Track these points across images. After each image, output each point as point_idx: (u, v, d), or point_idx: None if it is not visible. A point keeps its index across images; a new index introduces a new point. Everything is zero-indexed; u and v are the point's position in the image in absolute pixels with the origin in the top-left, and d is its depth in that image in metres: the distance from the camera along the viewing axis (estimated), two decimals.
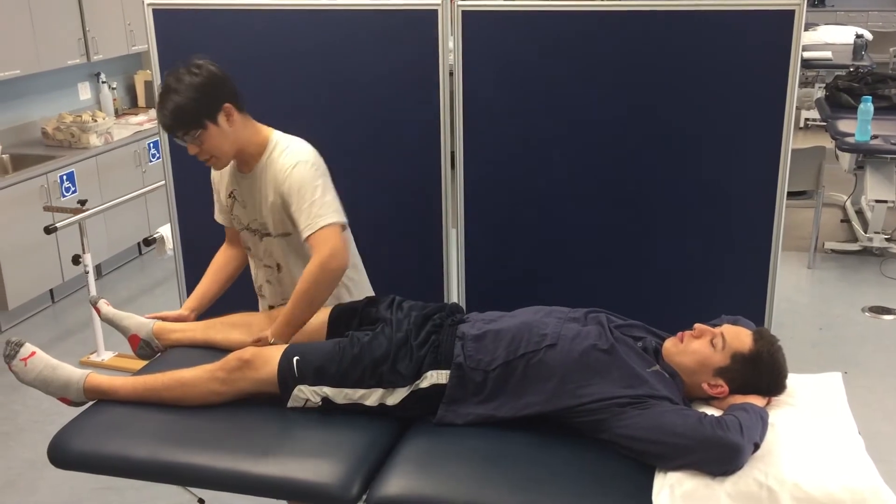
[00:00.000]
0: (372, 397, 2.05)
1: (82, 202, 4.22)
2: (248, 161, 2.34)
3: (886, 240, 5.40)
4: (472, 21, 2.74)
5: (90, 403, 2.20)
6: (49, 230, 3.97)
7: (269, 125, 2.40)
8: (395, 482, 1.87)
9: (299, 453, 1.96)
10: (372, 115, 2.91)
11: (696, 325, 2.04)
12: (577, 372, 1.95)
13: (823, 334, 4.46)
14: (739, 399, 1.91)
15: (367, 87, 2.89)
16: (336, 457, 1.92)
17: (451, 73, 2.81)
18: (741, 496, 1.69)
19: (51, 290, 4.98)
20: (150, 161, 5.63)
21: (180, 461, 1.95)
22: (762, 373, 1.94)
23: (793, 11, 2.51)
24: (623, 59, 2.67)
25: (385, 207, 2.98)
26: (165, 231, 3.99)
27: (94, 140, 5.17)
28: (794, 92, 2.58)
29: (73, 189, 4.97)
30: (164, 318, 2.47)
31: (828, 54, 7.40)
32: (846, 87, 5.83)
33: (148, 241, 4.22)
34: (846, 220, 5.93)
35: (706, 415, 1.82)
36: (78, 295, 5.07)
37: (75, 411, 2.19)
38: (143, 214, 5.50)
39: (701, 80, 2.64)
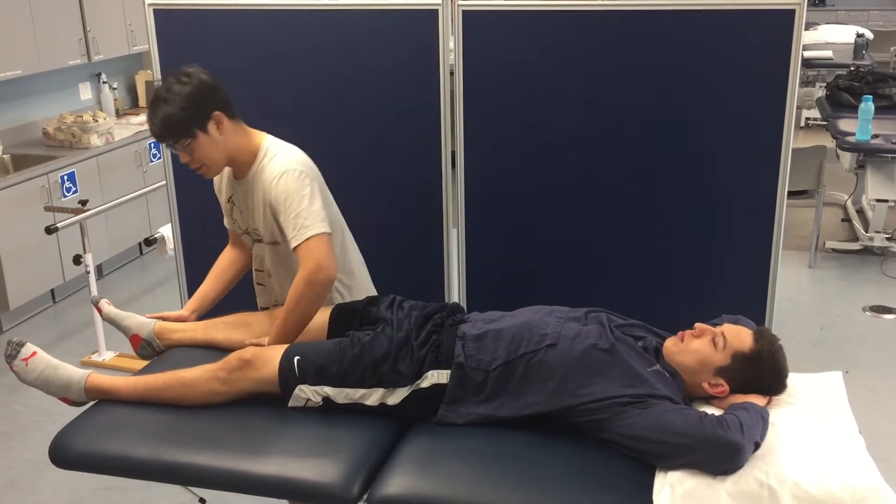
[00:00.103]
0: (373, 397, 2.05)
1: (83, 202, 4.22)
2: (242, 168, 2.33)
3: (887, 239, 5.39)
4: (473, 21, 2.74)
5: (91, 403, 2.20)
6: (50, 230, 3.98)
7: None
8: (396, 482, 1.87)
9: (300, 453, 1.96)
10: (372, 115, 2.92)
11: (697, 325, 2.04)
12: (577, 371, 1.95)
13: (824, 333, 4.45)
14: (740, 398, 1.91)
15: (368, 87, 2.89)
16: (337, 456, 1.92)
17: (451, 73, 2.81)
18: (742, 495, 1.69)
19: (52, 290, 4.98)
20: (151, 161, 5.63)
21: (181, 461, 1.95)
22: (763, 372, 1.94)
23: (793, 11, 2.52)
24: (623, 59, 2.67)
25: (385, 207, 2.98)
26: (166, 231, 4.00)
27: (95, 140, 5.18)
28: (794, 91, 2.58)
29: (74, 189, 4.97)
30: (164, 319, 2.47)
31: (828, 53, 7.40)
32: (847, 87, 5.83)
33: (149, 241, 4.22)
34: (847, 220, 5.93)
35: (707, 414, 1.82)
36: (79, 295, 5.08)
37: (76, 411, 2.19)
38: (143, 214, 5.51)
39: (701, 80, 2.64)
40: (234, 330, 2.39)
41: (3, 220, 4.48)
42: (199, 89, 2.18)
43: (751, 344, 1.96)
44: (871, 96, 5.03)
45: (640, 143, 2.73)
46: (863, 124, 4.93)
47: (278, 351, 2.12)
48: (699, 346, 1.98)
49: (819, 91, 7.29)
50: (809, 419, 1.88)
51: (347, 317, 2.30)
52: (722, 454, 1.72)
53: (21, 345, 2.16)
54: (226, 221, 2.54)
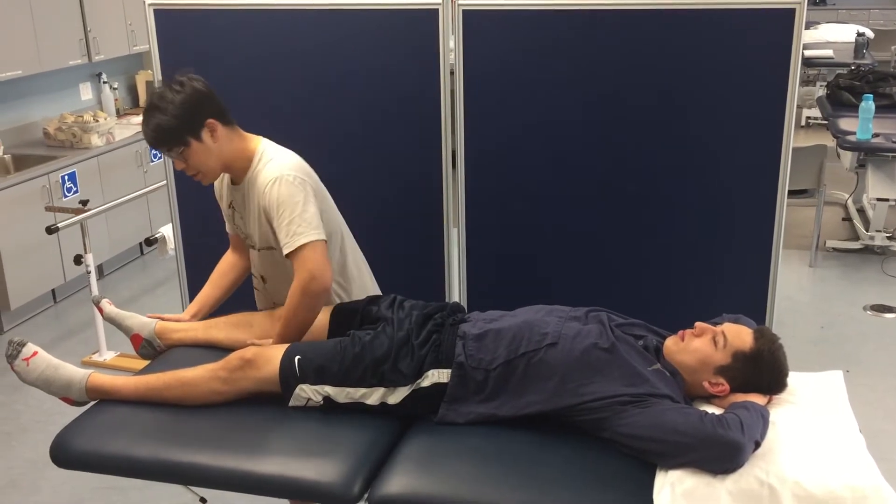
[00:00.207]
0: (373, 396, 2.05)
1: (84, 202, 4.23)
2: (238, 174, 2.32)
3: (888, 238, 5.39)
4: (473, 21, 2.74)
5: (92, 403, 2.20)
6: (51, 230, 3.98)
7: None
8: (397, 481, 1.88)
9: (301, 452, 1.96)
10: (372, 115, 2.91)
11: (697, 324, 2.04)
12: (578, 371, 1.95)
13: (825, 333, 4.45)
14: (740, 397, 1.91)
15: (368, 86, 2.89)
16: (337, 456, 1.92)
17: (451, 73, 2.81)
18: (742, 494, 1.69)
19: (53, 290, 4.98)
20: (152, 161, 5.64)
21: (182, 460, 1.95)
22: (763, 371, 1.94)
23: (793, 10, 2.51)
24: (623, 58, 2.67)
25: (385, 207, 2.98)
26: (167, 231, 4.00)
27: (96, 140, 5.18)
28: (794, 90, 2.58)
29: (74, 189, 4.97)
30: (164, 320, 2.47)
31: (829, 52, 7.40)
32: (847, 86, 5.83)
33: (149, 241, 4.23)
34: (847, 219, 5.92)
35: (707, 413, 1.82)
36: (80, 295, 5.08)
37: (77, 411, 2.19)
38: (144, 214, 5.51)
39: (701, 79, 2.64)
40: (235, 329, 2.39)
41: (3, 219, 4.49)
42: (191, 97, 2.18)
43: (751, 343, 1.96)
44: (871, 95, 5.03)
45: (640, 142, 2.73)
46: (863, 123, 4.93)
47: (279, 350, 2.12)
48: (699, 346, 1.98)
49: (819, 90, 7.29)
50: (810, 418, 1.88)
51: (348, 316, 2.30)
52: (722, 453, 1.72)
53: (22, 345, 2.16)
54: (227, 227, 2.54)
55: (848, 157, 5.57)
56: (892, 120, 5.25)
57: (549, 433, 1.97)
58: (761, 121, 2.63)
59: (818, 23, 8.82)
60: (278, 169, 2.24)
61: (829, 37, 8.05)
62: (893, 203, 5.19)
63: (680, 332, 2.04)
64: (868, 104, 4.93)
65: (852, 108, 5.30)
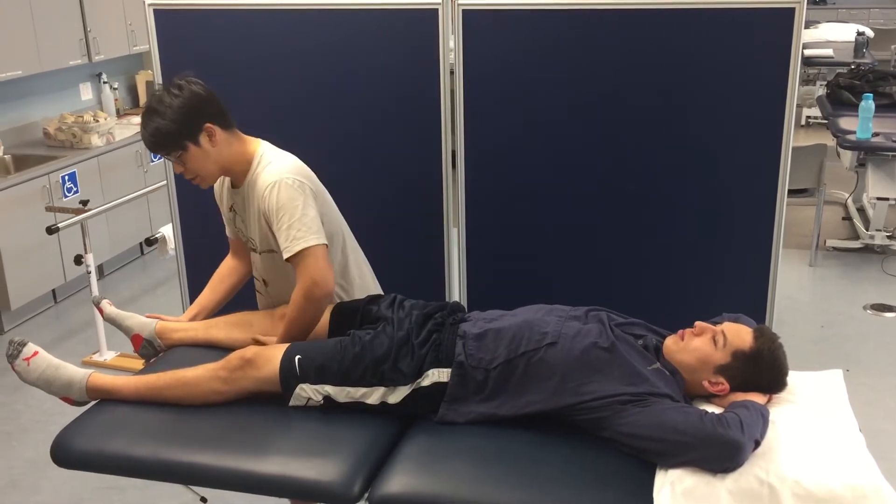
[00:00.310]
0: (373, 396, 2.06)
1: (84, 202, 4.23)
2: (238, 177, 2.32)
3: (888, 237, 5.39)
4: (473, 20, 2.74)
5: (92, 403, 2.20)
6: (51, 230, 3.98)
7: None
8: (397, 480, 1.88)
9: (301, 452, 1.96)
10: (372, 115, 2.92)
11: (697, 323, 2.04)
12: (577, 370, 1.95)
13: (824, 332, 4.46)
14: (740, 396, 1.91)
15: (368, 86, 2.89)
16: (338, 455, 1.93)
17: (451, 73, 2.81)
18: (742, 493, 1.69)
19: (53, 291, 4.98)
20: (152, 161, 5.64)
21: (183, 460, 1.96)
22: (763, 370, 1.94)
23: (793, 9, 2.51)
24: (623, 58, 2.67)
25: (385, 207, 2.98)
26: (167, 231, 4.00)
27: (96, 140, 5.18)
28: (794, 89, 2.58)
29: (74, 189, 4.97)
30: (163, 321, 2.47)
31: (829, 52, 7.39)
32: (847, 85, 5.83)
33: (150, 241, 4.23)
34: (847, 218, 5.93)
35: (707, 412, 1.82)
36: (80, 295, 5.08)
37: (78, 411, 2.19)
38: (144, 214, 5.51)
39: (701, 78, 2.64)
40: (236, 329, 2.39)
41: (4, 220, 4.49)
42: (190, 102, 2.17)
43: (751, 342, 1.96)
44: (871, 94, 5.03)
45: (640, 142, 2.73)
46: (863, 122, 4.93)
47: (279, 350, 2.12)
48: (699, 345, 1.98)
49: (819, 89, 7.28)
50: (810, 417, 1.88)
51: (348, 316, 2.30)
52: (722, 452, 1.73)
53: (23, 345, 2.17)
54: (228, 231, 2.54)
55: (848, 157, 5.57)
56: (892, 119, 5.25)
57: (549, 432, 1.97)
58: (761, 120, 2.63)
59: (818, 22, 8.81)
60: (277, 172, 2.23)
61: (829, 36, 8.05)
62: (893, 202, 5.19)
63: (680, 332, 2.04)
64: (868, 103, 4.93)
65: (852, 108, 5.30)
